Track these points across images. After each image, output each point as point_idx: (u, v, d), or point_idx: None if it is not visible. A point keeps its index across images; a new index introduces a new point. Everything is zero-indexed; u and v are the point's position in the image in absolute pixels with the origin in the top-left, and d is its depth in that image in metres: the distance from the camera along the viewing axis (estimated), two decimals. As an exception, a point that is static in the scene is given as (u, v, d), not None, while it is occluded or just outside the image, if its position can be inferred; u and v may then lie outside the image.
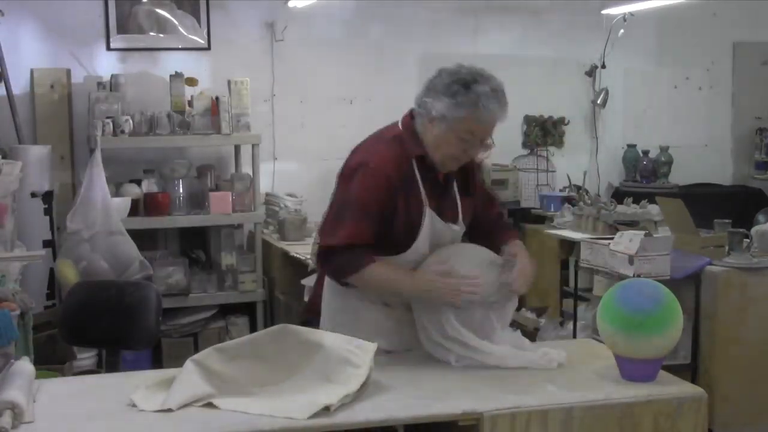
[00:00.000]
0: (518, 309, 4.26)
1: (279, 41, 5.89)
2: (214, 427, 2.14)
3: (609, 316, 2.48)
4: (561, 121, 6.54)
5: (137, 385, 2.37)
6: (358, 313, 2.75)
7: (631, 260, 3.87)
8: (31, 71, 5.45)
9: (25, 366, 2.40)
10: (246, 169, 5.58)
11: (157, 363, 5.01)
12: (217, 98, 5.32)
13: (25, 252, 4.25)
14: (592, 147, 6.63)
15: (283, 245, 5.27)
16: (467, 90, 2.57)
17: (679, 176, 6.54)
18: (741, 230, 4.20)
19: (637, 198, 5.33)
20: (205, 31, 5.78)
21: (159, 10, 5.69)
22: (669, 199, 4.62)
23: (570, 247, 5.16)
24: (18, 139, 5.13)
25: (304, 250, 4.96)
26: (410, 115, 2.73)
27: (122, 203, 5.11)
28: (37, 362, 2.85)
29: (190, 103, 5.38)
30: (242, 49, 5.84)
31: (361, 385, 2.30)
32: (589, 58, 6.53)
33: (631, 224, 4.94)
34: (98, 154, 4.94)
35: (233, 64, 5.73)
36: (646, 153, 6.48)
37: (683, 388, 2.49)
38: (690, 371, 3.98)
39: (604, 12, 6.40)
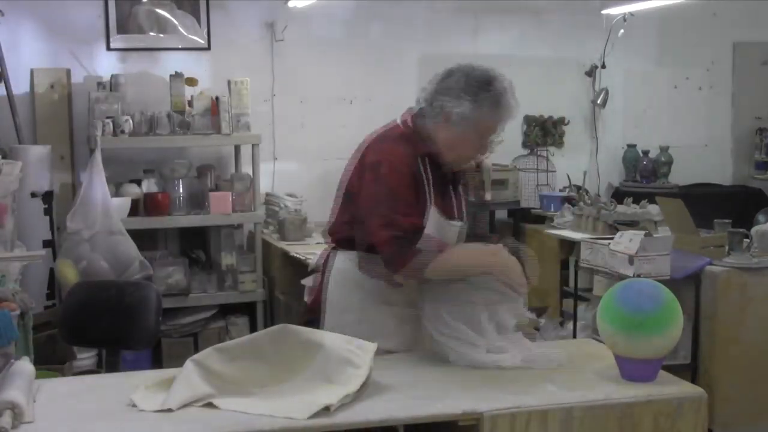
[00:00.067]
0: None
1: (279, 41, 5.89)
2: (214, 427, 2.14)
3: (609, 316, 2.48)
4: (561, 121, 6.54)
5: (137, 385, 2.37)
6: (361, 314, 2.75)
7: (631, 260, 3.87)
8: (31, 71, 5.45)
9: (25, 366, 2.40)
10: (246, 169, 5.58)
11: (157, 363, 5.01)
12: (217, 98, 5.32)
13: (25, 252, 4.25)
14: (592, 147, 6.63)
15: (283, 245, 5.27)
16: (487, 89, 2.62)
17: (679, 176, 6.54)
18: (741, 230, 4.20)
19: (637, 198, 5.33)
20: (205, 31, 5.77)
21: (159, 10, 5.69)
22: (669, 199, 4.62)
23: (570, 247, 5.17)
24: (18, 139, 5.13)
25: (304, 250, 4.96)
26: (413, 114, 2.74)
27: (122, 203, 5.11)
28: (37, 362, 2.86)
29: (190, 103, 5.38)
30: (242, 49, 5.84)
31: (361, 385, 2.30)
32: (589, 58, 6.53)
33: (631, 224, 4.94)
34: (98, 154, 4.94)
35: (233, 64, 5.73)
36: (646, 153, 6.48)
37: (683, 388, 2.49)
38: (690, 371, 3.99)
39: (604, 12, 6.40)
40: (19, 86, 5.35)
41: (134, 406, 2.26)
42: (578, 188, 5.84)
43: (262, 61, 5.88)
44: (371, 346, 2.40)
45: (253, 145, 5.42)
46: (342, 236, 2.83)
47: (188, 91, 5.40)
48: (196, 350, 4.18)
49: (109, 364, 3.71)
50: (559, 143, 6.54)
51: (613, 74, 6.58)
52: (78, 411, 2.25)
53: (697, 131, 6.85)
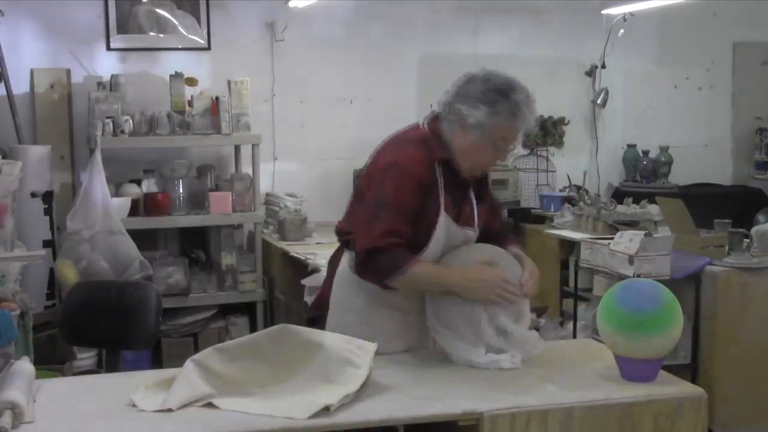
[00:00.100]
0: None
1: (279, 41, 5.89)
2: (214, 427, 2.14)
3: (609, 316, 2.48)
4: (561, 121, 6.54)
5: (137, 385, 2.37)
6: (364, 315, 2.75)
7: (631, 260, 3.87)
8: (31, 71, 5.45)
9: (25, 366, 2.40)
10: (246, 169, 5.58)
11: (157, 363, 5.01)
12: (217, 98, 5.32)
13: (25, 252, 4.25)
14: (592, 147, 6.64)
15: (283, 245, 5.27)
16: (505, 98, 2.61)
17: (679, 176, 6.54)
18: (741, 230, 4.20)
19: (637, 198, 5.33)
20: (205, 31, 5.78)
21: (159, 10, 5.69)
22: (669, 199, 4.62)
23: (570, 247, 5.17)
24: (18, 139, 5.13)
25: (304, 250, 4.96)
26: (434, 118, 2.73)
27: (122, 203, 5.11)
28: (37, 362, 2.86)
29: (190, 103, 5.38)
30: (242, 49, 5.84)
31: (361, 385, 2.30)
32: (589, 58, 6.53)
33: (631, 224, 4.94)
34: (98, 154, 4.94)
35: (233, 64, 5.73)
36: (646, 153, 6.48)
37: (683, 388, 2.49)
38: (690, 371, 3.99)
39: (604, 12, 6.40)
40: (19, 86, 5.35)
41: (134, 406, 2.26)
42: (578, 188, 5.84)
43: (262, 61, 5.88)
44: (371, 346, 2.40)
45: (253, 145, 5.42)
46: (350, 237, 2.80)
47: (188, 91, 5.41)
48: (196, 350, 4.18)
49: (109, 364, 3.71)
50: (559, 143, 6.54)
51: (613, 74, 6.58)
52: (78, 411, 2.25)
53: (697, 131, 6.85)
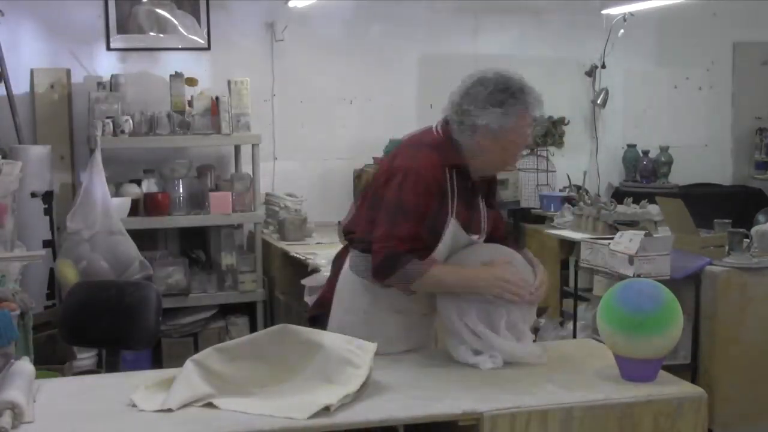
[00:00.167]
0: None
1: (279, 41, 5.89)
2: (214, 427, 2.14)
3: (609, 316, 2.48)
4: (561, 121, 6.53)
5: (137, 385, 2.37)
6: (364, 316, 2.74)
7: (631, 260, 3.87)
8: (31, 71, 5.45)
9: (25, 366, 2.40)
10: (246, 169, 5.58)
11: (157, 363, 5.01)
12: (217, 98, 5.32)
13: (25, 252, 4.25)
14: (592, 147, 6.63)
15: (283, 245, 5.27)
16: (514, 100, 2.59)
17: (679, 176, 6.54)
18: (741, 230, 4.20)
19: (637, 198, 5.33)
20: (205, 31, 5.78)
21: (159, 10, 5.69)
22: (669, 199, 4.62)
23: (570, 247, 5.16)
24: (18, 139, 5.13)
25: (304, 250, 4.96)
26: (446, 122, 2.72)
27: (122, 203, 5.11)
28: (37, 362, 2.86)
29: (190, 103, 5.38)
30: (242, 49, 5.84)
31: (361, 385, 2.30)
32: (589, 58, 6.53)
33: (631, 224, 4.94)
34: (98, 154, 4.94)
35: (233, 64, 5.73)
36: (646, 153, 6.48)
37: (683, 388, 2.49)
38: (690, 371, 3.99)
39: (604, 12, 6.40)
40: (19, 86, 5.35)
41: (134, 406, 2.26)
42: (578, 188, 5.84)
43: (262, 61, 5.88)
44: (371, 346, 2.40)
45: (253, 145, 5.42)
46: (357, 236, 2.79)
47: (188, 91, 5.41)
48: (196, 350, 4.18)
49: (109, 364, 3.71)
50: (559, 143, 6.54)
51: (613, 74, 6.58)
52: (78, 411, 2.25)
53: (697, 131, 6.85)
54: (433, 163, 2.64)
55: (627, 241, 3.95)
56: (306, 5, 5.79)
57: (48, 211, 4.98)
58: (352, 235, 2.81)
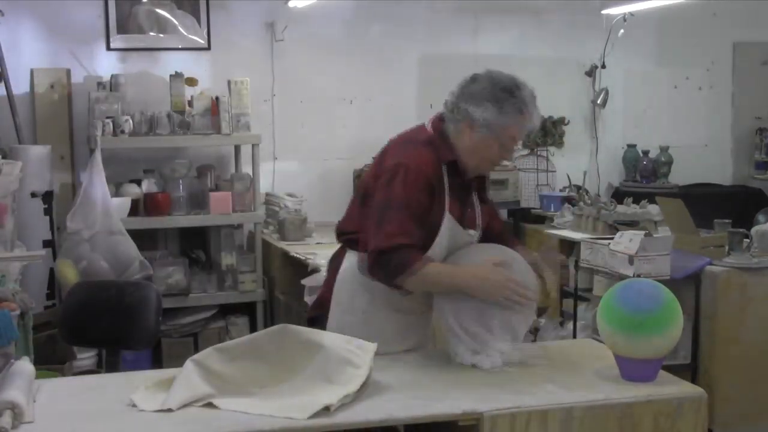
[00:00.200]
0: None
1: (279, 41, 5.89)
2: (214, 427, 2.14)
3: (609, 316, 2.48)
4: (561, 121, 6.53)
5: (137, 385, 2.37)
6: (365, 316, 2.75)
7: (631, 260, 3.87)
8: (31, 71, 5.45)
9: (25, 366, 2.40)
10: (246, 169, 5.58)
11: (157, 363, 5.01)
12: (217, 98, 5.32)
13: (25, 252, 4.25)
14: (592, 147, 6.63)
15: (283, 245, 5.27)
16: (512, 97, 2.61)
17: (679, 176, 6.54)
18: (741, 230, 4.20)
19: (637, 198, 5.33)
20: (205, 31, 5.77)
21: (159, 10, 5.69)
22: (669, 199, 4.62)
23: (570, 247, 5.16)
24: (18, 139, 5.13)
25: (304, 250, 4.96)
26: (439, 119, 2.73)
27: (122, 203, 5.11)
28: (37, 362, 2.86)
29: (190, 103, 5.38)
30: (242, 49, 5.84)
31: (361, 385, 2.30)
32: (589, 58, 6.53)
33: (631, 224, 4.94)
34: (98, 154, 4.94)
35: (233, 64, 5.73)
36: (646, 153, 6.48)
37: (683, 388, 2.49)
38: (690, 371, 3.98)
39: (604, 12, 6.40)
40: (19, 86, 5.35)
41: (134, 406, 2.26)
42: (578, 188, 5.84)
43: (262, 61, 5.88)
44: (371, 346, 2.40)
45: (253, 145, 5.42)
46: (352, 237, 2.80)
47: (188, 91, 5.41)
48: (196, 350, 4.18)
49: (109, 364, 3.71)
50: (559, 143, 6.54)
51: (613, 74, 6.58)
52: (78, 411, 2.26)
53: (697, 131, 6.85)
54: (424, 159, 2.65)
55: (627, 241, 3.95)
56: (306, 5, 5.79)
57: (48, 211, 4.98)
58: (346, 236, 2.81)
